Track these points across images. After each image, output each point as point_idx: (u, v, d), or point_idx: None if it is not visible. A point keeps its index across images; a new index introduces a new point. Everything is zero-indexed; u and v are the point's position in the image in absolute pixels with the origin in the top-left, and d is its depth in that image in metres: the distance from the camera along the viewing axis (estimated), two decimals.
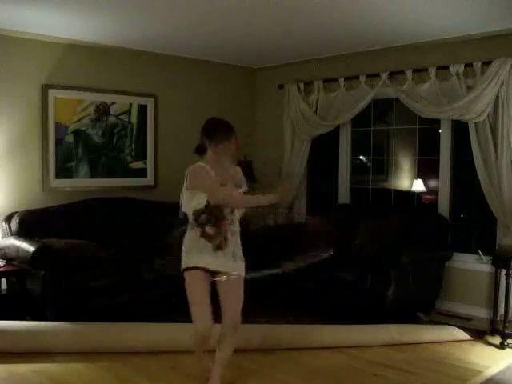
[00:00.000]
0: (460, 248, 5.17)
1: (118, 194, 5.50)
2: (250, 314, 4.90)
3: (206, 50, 5.75)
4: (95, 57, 5.44)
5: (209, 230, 3.05)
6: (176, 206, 5.60)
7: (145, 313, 4.60)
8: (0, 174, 4.92)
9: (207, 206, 3.04)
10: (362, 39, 5.17)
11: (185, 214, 3.19)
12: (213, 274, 3.13)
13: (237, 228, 3.18)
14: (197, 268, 3.08)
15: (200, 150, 3.28)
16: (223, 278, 3.11)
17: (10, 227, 4.78)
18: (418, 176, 5.73)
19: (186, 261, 3.13)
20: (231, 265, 3.13)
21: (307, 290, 5.05)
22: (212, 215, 3.04)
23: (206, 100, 6.34)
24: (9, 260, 4.50)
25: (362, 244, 5.05)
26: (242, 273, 3.19)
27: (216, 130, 3.23)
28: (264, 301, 5.32)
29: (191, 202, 3.11)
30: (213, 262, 3.07)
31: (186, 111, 6.19)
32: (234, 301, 3.17)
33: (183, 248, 3.17)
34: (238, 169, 3.40)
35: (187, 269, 3.11)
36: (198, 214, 3.07)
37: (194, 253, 3.09)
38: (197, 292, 3.09)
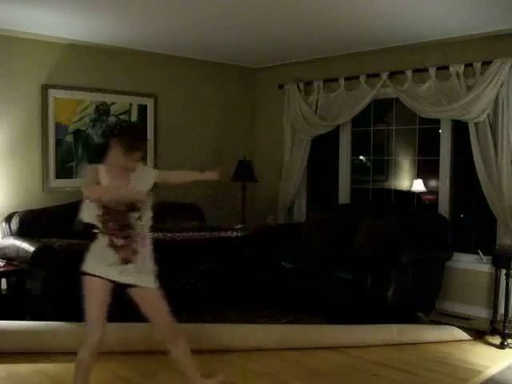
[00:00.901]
0: (460, 248, 5.16)
1: None
2: (251, 313, 4.90)
3: (206, 50, 5.75)
4: (95, 57, 5.44)
5: (117, 240, 2.87)
6: (177, 206, 5.66)
7: None
8: (0, 173, 4.92)
9: (107, 211, 2.85)
10: (362, 39, 5.17)
11: (86, 225, 2.99)
12: (123, 286, 2.97)
13: (147, 239, 2.97)
14: (98, 276, 2.92)
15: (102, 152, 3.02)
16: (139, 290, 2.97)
17: (10, 227, 4.78)
18: (418, 176, 5.73)
19: (89, 264, 2.95)
20: (140, 278, 2.95)
21: (307, 290, 5.05)
22: (117, 222, 2.84)
23: (206, 100, 6.34)
24: (9, 260, 4.50)
25: (361, 244, 5.05)
26: (152, 285, 2.98)
27: (133, 137, 2.98)
28: (264, 301, 5.32)
29: (88, 211, 2.93)
30: (114, 274, 2.91)
31: (186, 111, 6.20)
32: (156, 312, 3.04)
33: (90, 249, 2.99)
34: (146, 168, 3.16)
35: (87, 273, 2.95)
36: (104, 221, 2.87)
37: (99, 261, 2.92)
38: (95, 302, 2.93)
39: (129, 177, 2.98)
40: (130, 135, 2.96)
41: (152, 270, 3.01)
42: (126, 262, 2.89)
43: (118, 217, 2.87)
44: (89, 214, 2.94)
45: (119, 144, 2.91)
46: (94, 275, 2.92)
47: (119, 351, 3.97)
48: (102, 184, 2.91)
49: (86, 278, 2.96)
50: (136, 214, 2.89)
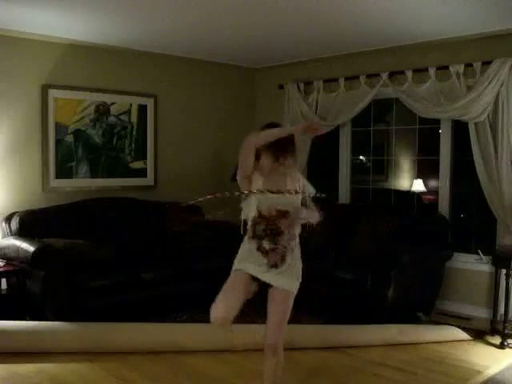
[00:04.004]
0: (460, 248, 5.17)
1: (118, 194, 5.50)
2: (250, 313, 4.90)
3: (206, 50, 5.75)
4: (95, 57, 5.44)
5: (266, 244, 2.87)
6: (177, 205, 5.65)
7: (145, 313, 4.60)
8: (0, 173, 4.92)
9: (261, 216, 2.85)
10: (362, 39, 5.17)
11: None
12: (266, 285, 2.97)
13: (296, 244, 2.95)
14: (242, 271, 2.94)
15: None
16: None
17: (10, 227, 4.78)
18: (418, 176, 5.73)
19: (236, 264, 2.98)
20: (281, 280, 2.92)
21: (307, 290, 5.03)
22: (267, 229, 2.84)
23: (206, 100, 6.34)
24: (9, 260, 4.50)
25: (362, 244, 5.04)
26: (291, 289, 2.95)
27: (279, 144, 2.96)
28: (264, 301, 5.31)
29: (245, 210, 2.94)
30: (263, 275, 2.91)
31: (186, 111, 6.20)
32: (272, 317, 2.97)
33: (238, 254, 3.02)
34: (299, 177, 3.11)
35: (237, 269, 2.97)
36: (254, 223, 2.88)
37: (248, 262, 2.93)
38: (231, 283, 2.93)
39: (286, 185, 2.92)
40: (275, 143, 2.87)
41: (296, 274, 2.96)
42: (273, 266, 2.88)
43: (270, 223, 2.85)
44: (247, 212, 2.93)
45: (267, 152, 2.89)
46: (240, 269, 2.92)
47: (123, 351, 3.98)
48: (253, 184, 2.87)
49: (232, 273, 2.95)
50: (287, 222, 2.85)
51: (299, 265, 2.98)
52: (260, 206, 2.86)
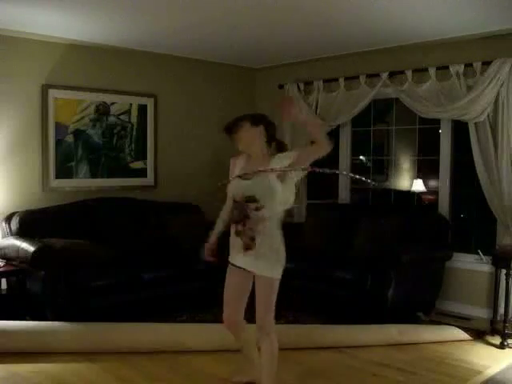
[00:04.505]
0: (460, 248, 5.17)
1: (118, 194, 5.50)
2: (250, 313, 4.90)
3: (206, 50, 5.75)
4: (95, 57, 5.44)
5: (239, 227, 3.05)
6: (175, 206, 5.66)
7: (145, 313, 4.60)
8: (0, 173, 4.92)
9: (235, 201, 3.08)
10: (362, 39, 5.17)
11: None
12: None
13: (267, 228, 3.02)
14: (230, 263, 3.17)
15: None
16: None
17: (10, 227, 4.77)
18: (418, 176, 5.73)
19: (230, 253, 3.19)
20: (257, 265, 3.02)
21: (307, 290, 5.05)
22: (240, 213, 3.03)
23: (205, 100, 6.34)
24: (9, 260, 4.50)
25: (361, 244, 5.04)
26: (270, 275, 3.03)
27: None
28: None
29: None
30: (240, 260, 3.07)
31: (186, 111, 6.20)
32: (259, 303, 3.08)
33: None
34: (279, 155, 3.31)
35: (228, 262, 3.20)
36: (232, 209, 3.11)
37: (232, 248, 3.14)
38: (226, 288, 3.20)
39: (257, 167, 3.08)
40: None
41: (273, 259, 3.05)
42: (247, 248, 3.03)
43: (239, 207, 3.05)
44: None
45: None
46: (230, 263, 3.16)
47: (123, 351, 3.98)
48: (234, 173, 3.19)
49: (228, 270, 3.19)
50: (253, 205, 3.00)
51: (281, 249, 3.09)
52: (233, 193, 3.09)
